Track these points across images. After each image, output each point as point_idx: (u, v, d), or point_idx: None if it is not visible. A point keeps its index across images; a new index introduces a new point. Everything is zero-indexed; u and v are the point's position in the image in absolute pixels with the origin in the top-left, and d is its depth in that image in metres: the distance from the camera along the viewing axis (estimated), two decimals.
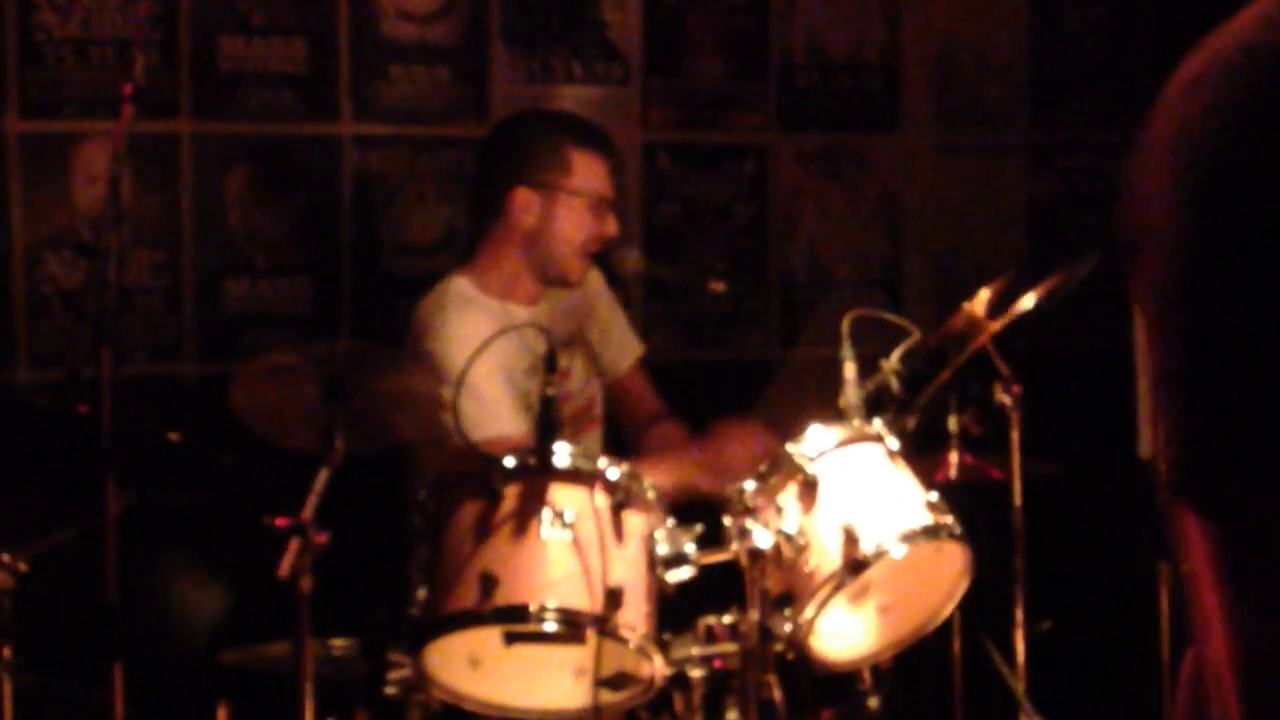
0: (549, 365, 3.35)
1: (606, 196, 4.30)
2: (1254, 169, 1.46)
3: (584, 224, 4.27)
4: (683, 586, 3.35)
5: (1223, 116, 1.50)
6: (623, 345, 4.66)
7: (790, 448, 3.47)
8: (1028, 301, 4.07)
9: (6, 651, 3.41)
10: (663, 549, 3.32)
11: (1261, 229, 1.44)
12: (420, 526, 3.40)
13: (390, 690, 3.53)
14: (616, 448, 4.33)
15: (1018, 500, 4.23)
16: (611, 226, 4.30)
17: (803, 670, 3.49)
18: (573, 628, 3.21)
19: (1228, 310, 1.46)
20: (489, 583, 3.17)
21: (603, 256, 4.50)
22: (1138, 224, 1.58)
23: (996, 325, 4.05)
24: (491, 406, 3.99)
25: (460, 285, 4.29)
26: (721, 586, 3.43)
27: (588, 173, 4.27)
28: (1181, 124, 1.55)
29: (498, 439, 3.90)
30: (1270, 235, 1.44)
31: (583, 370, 4.48)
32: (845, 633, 3.54)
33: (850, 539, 3.36)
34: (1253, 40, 1.52)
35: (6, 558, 3.39)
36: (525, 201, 4.26)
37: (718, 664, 3.47)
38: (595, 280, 4.62)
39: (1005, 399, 4.20)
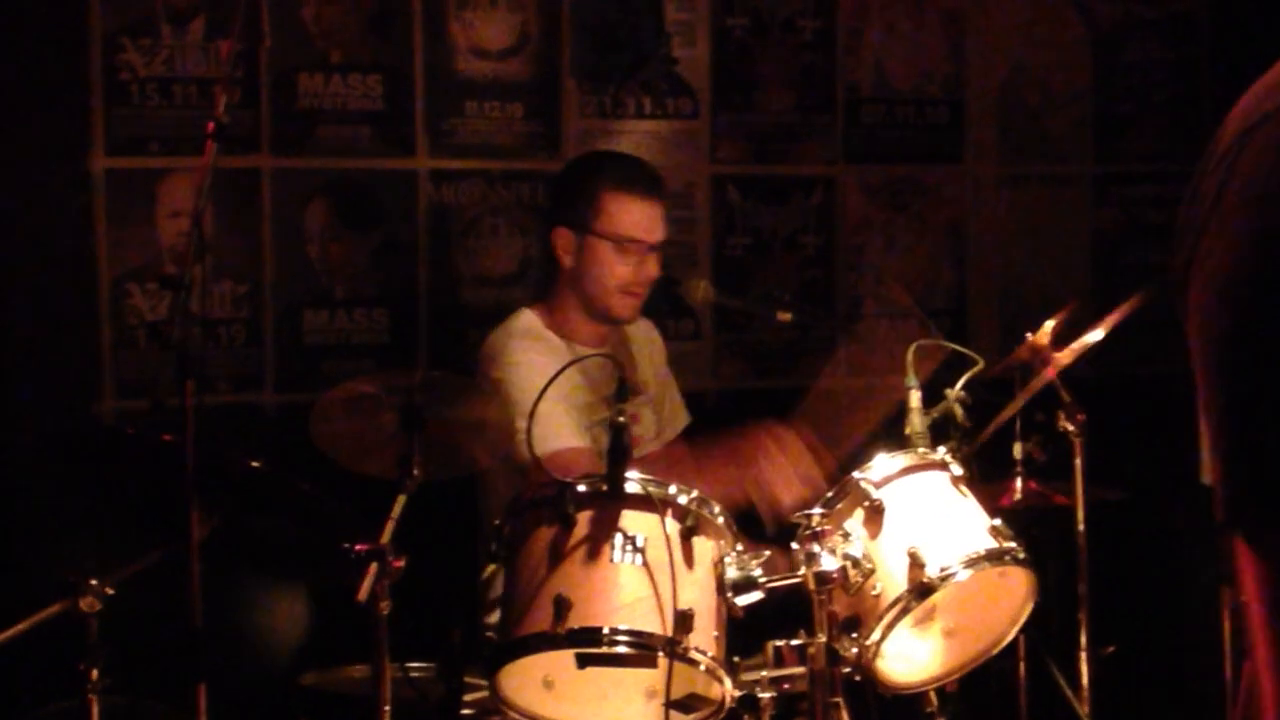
0: (620, 394, 3.37)
1: (639, 240, 4.32)
2: None
3: (613, 266, 4.31)
4: (751, 610, 3.38)
5: None
6: (674, 414, 4.71)
7: (857, 474, 3.51)
8: (1094, 335, 4.08)
9: (94, 673, 3.43)
10: (731, 573, 3.35)
11: None
12: (496, 551, 3.45)
13: (466, 712, 3.59)
14: None
15: (1081, 525, 4.24)
16: (649, 269, 4.33)
17: (870, 693, 3.51)
18: (644, 650, 3.22)
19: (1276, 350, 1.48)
20: (562, 606, 3.19)
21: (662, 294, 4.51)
22: (1191, 261, 1.60)
23: (1061, 357, 4.07)
24: (555, 425, 4.02)
25: (527, 319, 4.37)
26: (789, 611, 3.47)
27: (620, 216, 4.30)
28: (1243, 167, 1.55)
29: (564, 452, 3.97)
30: None
31: (651, 422, 4.53)
32: (911, 656, 3.56)
33: (916, 563, 3.39)
34: None
35: (94, 582, 3.41)
36: (565, 242, 4.34)
37: (786, 687, 3.50)
38: (658, 346, 4.68)
39: (1069, 426, 4.23)
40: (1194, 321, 1.62)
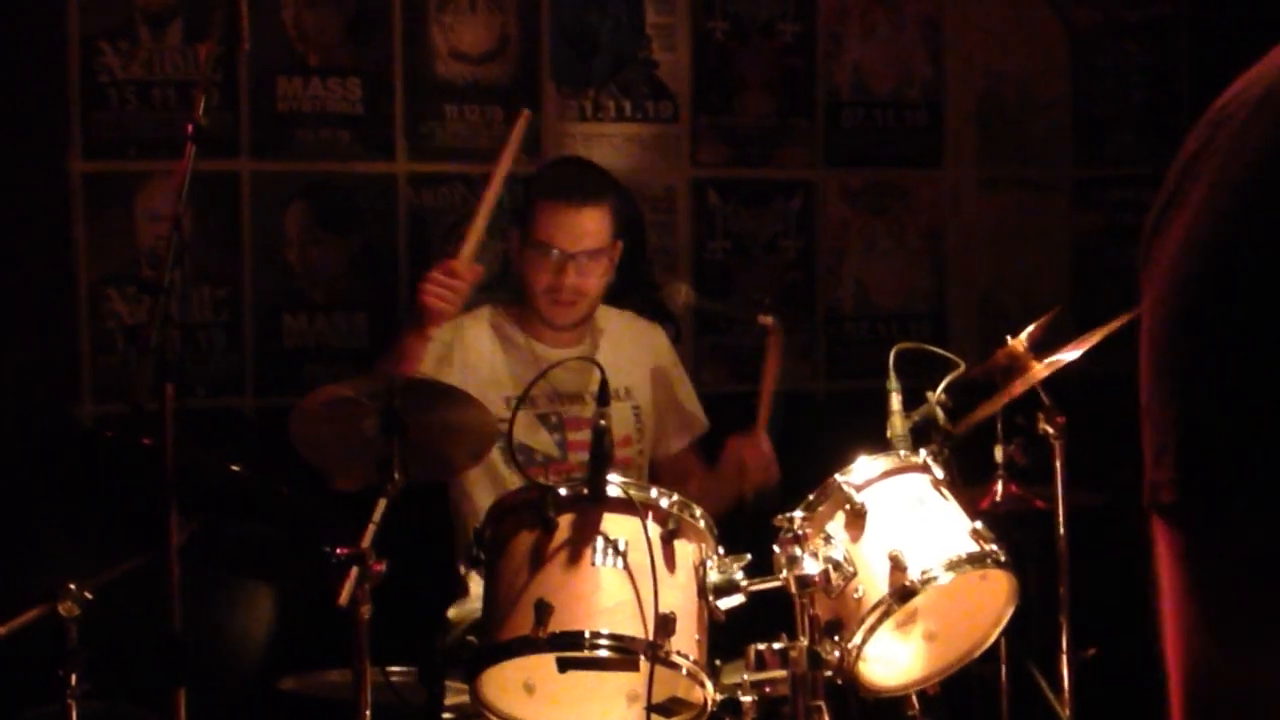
0: (601, 398, 3.39)
1: (555, 248, 4.32)
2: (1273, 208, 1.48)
3: (534, 271, 4.36)
4: (733, 613, 3.38)
5: (1259, 156, 1.52)
6: (684, 421, 4.72)
7: (838, 477, 3.52)
8: (1073, 354, 4.09)
9: (73, 678, 3.42)
10: (713, 577, 3.35)
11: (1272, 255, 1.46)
12: (477, 555, 3.45)
13: (447, 716, 3.58)
14: None
15: (1062, 529, 4.25)
16: (570, 277, 4.33)
17: (851, 696, 3.52)
18: (625, 654, 3.23)
19: (1233, 333, 1.48)
20: (543, 610, 3.19)
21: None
22: (1158, 226, 1.59)
23: (1038, 370, 4.07)
24: None
25: (482, 312, 4.47)
26: (771, 614, 3.47)
27: (541, 223, 4.34)
28: (1222, 159, 1.56)
29: None
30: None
31: (622, 428, 4.45)
32: (893, 659, 3.57)
33: (897, 566, 3.40)
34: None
35: (73, 586, 3.40)
36: (513, 245, 4.46)
37: (768, 690, 3.50)
38: (661, 350, 4.67)
39: (1049, 429, 4.23)
40: (1151, 292, 1.61)
